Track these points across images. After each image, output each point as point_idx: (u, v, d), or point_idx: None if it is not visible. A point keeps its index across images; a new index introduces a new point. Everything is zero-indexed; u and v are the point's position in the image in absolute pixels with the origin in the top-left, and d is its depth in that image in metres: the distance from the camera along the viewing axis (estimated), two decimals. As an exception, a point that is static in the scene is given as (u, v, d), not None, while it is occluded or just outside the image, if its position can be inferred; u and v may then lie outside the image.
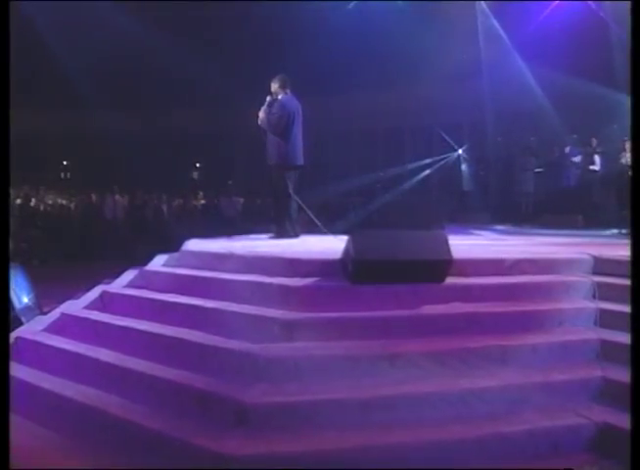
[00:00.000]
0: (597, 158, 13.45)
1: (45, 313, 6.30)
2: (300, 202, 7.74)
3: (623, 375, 4.07)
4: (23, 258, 10.28)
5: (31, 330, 5.74)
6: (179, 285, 5.55)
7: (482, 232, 10.76)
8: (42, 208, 17.06)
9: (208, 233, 7.83)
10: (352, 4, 18.93)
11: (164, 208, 18.15)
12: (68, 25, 17.44)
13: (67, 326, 5.58)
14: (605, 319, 4.93)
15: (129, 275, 6.12)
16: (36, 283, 7.07)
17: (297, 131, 7.67)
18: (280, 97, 7.67)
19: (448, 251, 5.00)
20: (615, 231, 9.84)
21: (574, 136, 14.76)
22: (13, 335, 5.71)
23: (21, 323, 6.15)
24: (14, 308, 6.38)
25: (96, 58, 18.53)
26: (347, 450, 3.74)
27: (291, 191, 7.57)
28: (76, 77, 18.87)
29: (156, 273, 5.99)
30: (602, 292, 5.18)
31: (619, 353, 4.32)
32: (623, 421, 3.77)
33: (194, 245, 6.30)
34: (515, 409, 4.13)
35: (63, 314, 5.77)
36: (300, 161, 7.74)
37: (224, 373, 4.26)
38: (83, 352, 5.01)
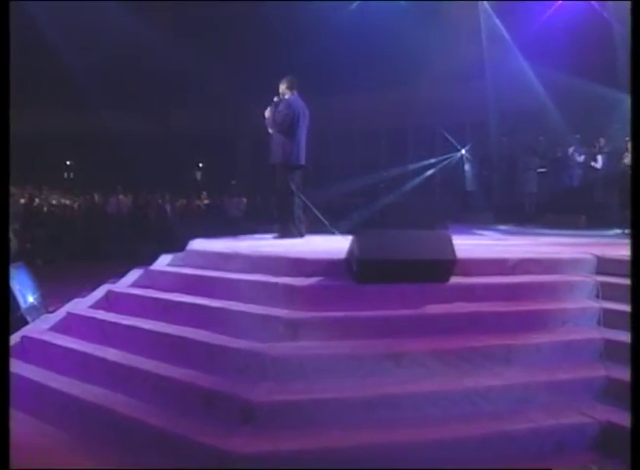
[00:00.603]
0: (599, 157, 13.48)
1: (51, 313, 6.34)
2: (307, 201, 7.79)
3: (627, 374, 4.07)
4: (28, 257, 10.29)
5: (38, 329, 5.78)
6: (184, 284, 5.59)
7: (486, 232, 10.78)
8: (46, 208, 17.09)
9: (212, 233, 7.86)
10: (355, 4, 18.94)
11: (168, 207, 18.18)
12: (72, 26, 17.47)
13: (73, 325, 5.62)
14: (608, 319, 4.96)
15: (134, 275, 6.15)
16: (40, 283, 7.10)
17: (302, 131, 7.75)
18: (287, 97, 7.77)
19: (452, 251, 5.03)
20: (618, 231, 9.85)
21: (577, 136, 14.77)
22: (19, 334, 5.76)
23: (26, 322, 6.19)
24: (19, 308, 6.42)
25: (100, 58, 18.57)
26: (352, 449, 3.77)
27: (295, 190, 7.63)
28: (80, 77, 18.89)
29: (161, 273, 6.03)
30: (605, 292, 5.21)
31: (623, 353, 4.33)
32: (627, 420, 3.78)
33: (199, 244, 6.33)
34: (519, 408, 4.16)
35: (69, 313, 5.81)
36: (303, 160, 7.82)
37: (230, 372, 4.29)
38: (90, 352, 5.05)
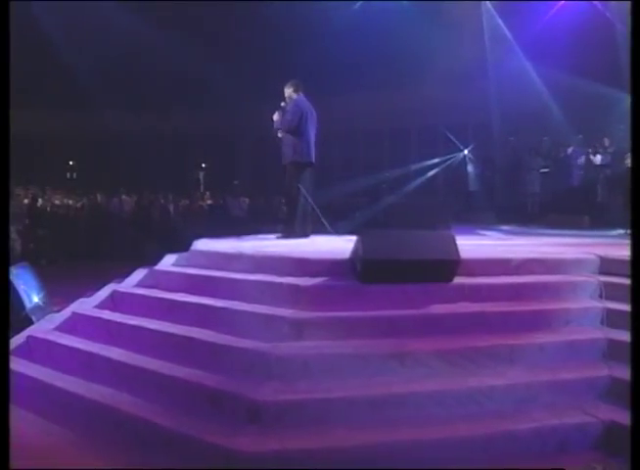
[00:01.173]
0: (598, 154, 13.52)
1: (56, 312, 6.37)
2: (312, 201, 7.86)
3: (630, 374, 4.11)
4: (31, 257, 10.33)
5: (43, 329, 5.81)
6: (189, 284, 5.62)
7: (488, 232, 10.80)
8: (49, 208, 17.13)
9: (215, 233, 7.89)
10: (358, 4, 18.96)
11: (171, 208, 18.21)
12: (76, 26, 17.52)
13: (78, 325, 5.65)
14: (611, 319, 4.98)
15: (139, 275, 6.18)
16: (44, 283, 7.13)
17: (311, 130, 7.92)
18: (294, 96, 7.96)
19: (456, 251, 5.06)
20: (621, 231, 9.86)
21: (580, 136, 14.78)
22: (24, 334, 5.80)
23: (31, 322, 6.22)
24: (24, 308, 6.46)
25: (102, 58, 18.61)
26: (357, 448, 3.80)
27: (304, 191, 7.71)
28: (83, 78, 18.94)
29: (166, 273, 6.06)
30: (608, 292, 5.23)
31: (626, 353, 4.34)
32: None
33: (203, 245, 6.36)
34: (522, 408, 4.19)
35: (74, 313, 5.84)
36: (314, 158, 7.96)
37: (235, 372, 4.32)
38: (95, 351, 5.08)
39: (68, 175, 26.27)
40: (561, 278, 5.43)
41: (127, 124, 21.25)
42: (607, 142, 13.55)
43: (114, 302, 5.82)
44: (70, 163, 26.19)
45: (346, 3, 18.91)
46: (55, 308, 6.63)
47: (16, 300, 6.38)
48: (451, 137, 19.25)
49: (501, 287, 5.20)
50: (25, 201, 16.22)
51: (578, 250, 6.19)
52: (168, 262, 6.31)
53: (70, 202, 18.66)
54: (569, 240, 8.12)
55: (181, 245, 6.50)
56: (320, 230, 8.09)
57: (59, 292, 7.16)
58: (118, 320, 5.41)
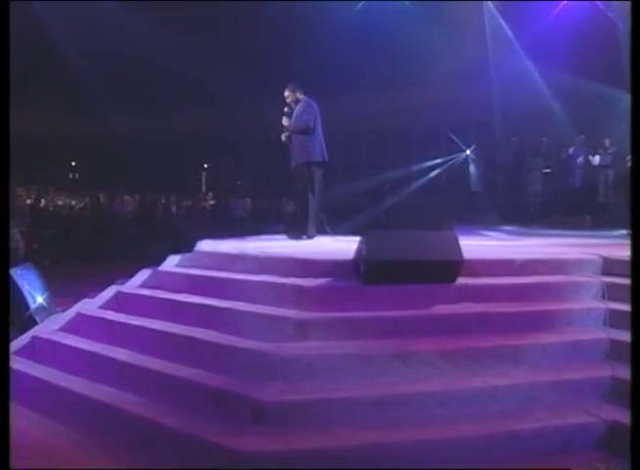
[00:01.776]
0: (597, 155, 13.53)
1: (60, 313, 6.39)
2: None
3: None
4: (35, 258, 10.35)
5: (47, 329, 5.83)
6: (193, 285, 5.64)
7: (491, 233, 10.79)
8: (52, 208, 17.17)
9: (218, 234, 7.91)
10: (360, 4, 18.97)
11: (173, 208, 18.24)
12: (79, 26, 17.55)
13: (82, 325, 5.67)
14: (614, 319, 4.99)
15: (143, 275, 6.20)
16: (48, 283, 7.15)
17: (320, 130, 7.93)
18: (300, 97, 7.92)
19: (459, 251, 5.07)
20: (623, 232, 9.85)
21: (582, 137, 14.78)
22: (29, 334, 5.82)
23: (35, 323, 6.24)
24: (28, 308, 6.47)
25: (106, 59, 18.64)
26: (361, 448, 3.81)
27: (315, 191, 7.75)
28: (86, 78, 18.98)
29: (169, 273, 6.08)
30: (611, 292, 5.24)
31: (629, 353, 4.37)
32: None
33: (206, 245, 6.37)
34: (525, 408, 4.20)
35: (78, 314, 5.85)
36: (326, 157, 7.96)
37: (239, 372, 4.33)
38: (99, 351, 5.10)
39: (71, 176, 26.33)
40: (563, 279, 5.44)
41: (129, 125, 21.28)
42: (607, 143, 13.56)
43: (118, 302, 5.83)
44: (73, 163, 26.25)
45: (348, 3, 18.93)
46: (59, 309, 6.64)
47: (20, 300, 6.40)
48: (453, 137, 19.27)
49: (504, 287, 5.21)
50: (28, 201, 16.26)
51: (581, 250, 6.20)
52: (172, 263, 6.32)
53: (73, 202, 18.70)
54: (571, 240, 8.12)
55: (184, 245, 6.51)
56: (322, 231, 8.10)
57: (62, 292, 7.18)
58: (122, 321, 5.43)
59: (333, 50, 17.51)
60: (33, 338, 5.64)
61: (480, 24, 18.47)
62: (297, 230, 7.85)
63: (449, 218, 10.83)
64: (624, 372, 4.34)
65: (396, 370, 4.34)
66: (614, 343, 4.73)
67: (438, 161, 19.73)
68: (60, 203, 18.24)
